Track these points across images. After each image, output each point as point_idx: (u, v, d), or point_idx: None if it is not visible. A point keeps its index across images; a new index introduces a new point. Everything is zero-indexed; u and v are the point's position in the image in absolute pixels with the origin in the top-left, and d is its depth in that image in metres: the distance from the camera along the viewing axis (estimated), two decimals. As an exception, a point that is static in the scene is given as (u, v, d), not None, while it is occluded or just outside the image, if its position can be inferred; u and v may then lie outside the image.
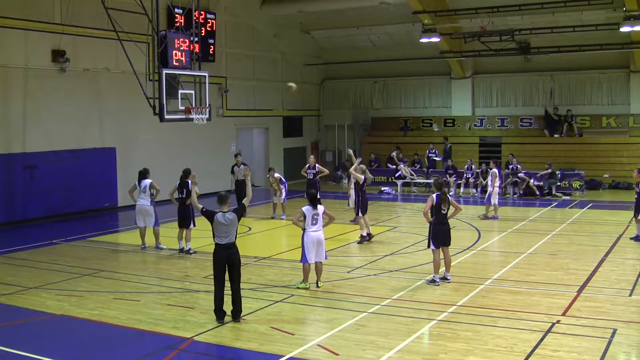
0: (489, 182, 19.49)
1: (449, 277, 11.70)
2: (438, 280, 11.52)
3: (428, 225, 11.78)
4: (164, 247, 15.08)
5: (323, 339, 8.78)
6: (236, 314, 9.56)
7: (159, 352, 8.43)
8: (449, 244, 11.76)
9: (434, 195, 11.63)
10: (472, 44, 27.62)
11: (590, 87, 28.12)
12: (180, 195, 14.68)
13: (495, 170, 19.57)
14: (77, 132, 20.75)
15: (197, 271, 12.93)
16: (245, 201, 10.07)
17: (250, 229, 18.00)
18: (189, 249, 14.58)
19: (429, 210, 11.63)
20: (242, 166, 19.25)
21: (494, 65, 29.33)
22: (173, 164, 23.33)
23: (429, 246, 11.69)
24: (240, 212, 9.77)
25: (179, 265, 13.60)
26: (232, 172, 19.69)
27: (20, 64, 19.10)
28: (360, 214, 15.64)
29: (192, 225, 14.60)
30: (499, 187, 19.81)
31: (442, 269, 11.69)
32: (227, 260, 9.47)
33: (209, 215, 9.57)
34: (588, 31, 25.13)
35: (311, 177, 19.40)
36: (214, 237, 9.57)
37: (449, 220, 11.80)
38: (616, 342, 8.47)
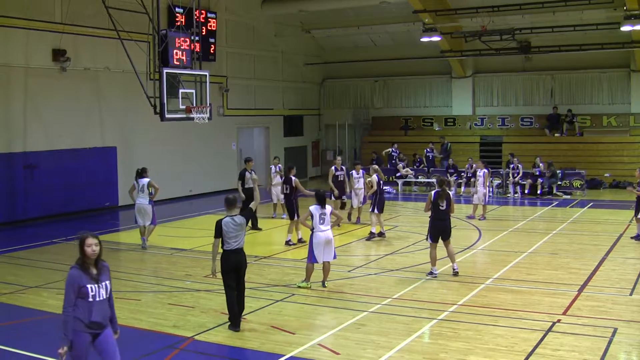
0: (481, 182, 19.27)
1: (456, 268, 12.01)
2: (436, 272, 11.93)
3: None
4: (147, 245, 15.03)
5: (324, 338, 8.78)
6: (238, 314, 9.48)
7: (159, 352, 8.43)
8: (448, 238, 12.08)
9: (433, 192, 12.06)
10: (473, 43, 27.61)
11: (591, 86, 28.11)
12: (285, 192, 15.70)
13: (485, 170, 19.58)
14: (77, 132, 20.75)
15: (198, 270, 12.92)
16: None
17: (250, 228, 17.98)
18: (289, 240, 15.31)
19: (430, 206, 12.07)
20: (252, 172, 17.60)
21: (494, 64, 29.33)
22: (174, 163, 23.43)
23: (427, 239, 12.22)
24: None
25: (180, 265, 13.60)
26: (242, 178, 17.36)
27: (21, 63, 19.10)
28: (376, 211, 15.69)
29: (296, 217, 15.12)
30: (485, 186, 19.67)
31: (435, 265, 12.02)
32: (236, 265, 9.24)
33: (217, 226, 9.19)
34: (588, 30, 25.13)
35: (341, 179, 18.00)
36: (222, 244, 9.23)
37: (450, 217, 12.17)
38: (617, 341, 8.47)
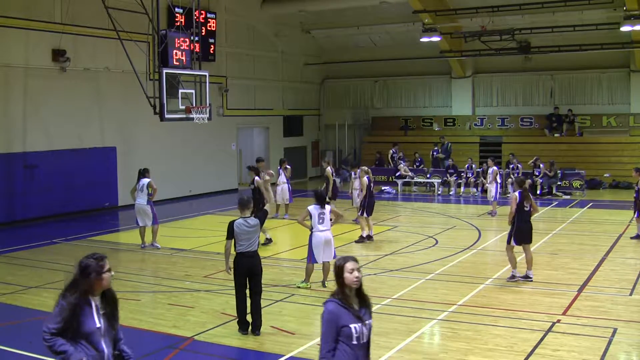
0: (491, 180, 19.69)
1: (531, 275, 11.56)
2: (518, 275, 11.53)
3: (511, 223, 11.57)
4: (159, 246, 15.05)
5: (323, 338, 8.76)
6: (257, 327, 8.96)
7: (159, 352, 8.43)
8: (530, 242, 11.65)
9: (517, 193, 11.55)
10: (473, 44, 27.62)
11: (591, 86, 28.11)
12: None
13: (495, 168, 19.82)
14: (77, 132, 20.73)
15: (198, 270, 12.91)
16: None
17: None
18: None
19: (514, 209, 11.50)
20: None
21: (494, 64, 29.32)
22: (174, 163, 23.43)
23: (508, 242, 11.60)
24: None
25: (179, 265, 13.60)
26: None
27: (20, 64, 19.09)
28: (365, 215, 15.63)
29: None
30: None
31: (516, 267, 11.63)
32: (249, 269, 8.98)
33: (229, 228, 9.05)
34: (588, 31, 25.13)
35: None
36: (235, 246, 9.09)
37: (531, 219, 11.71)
38: (616, 341, 8.48)
